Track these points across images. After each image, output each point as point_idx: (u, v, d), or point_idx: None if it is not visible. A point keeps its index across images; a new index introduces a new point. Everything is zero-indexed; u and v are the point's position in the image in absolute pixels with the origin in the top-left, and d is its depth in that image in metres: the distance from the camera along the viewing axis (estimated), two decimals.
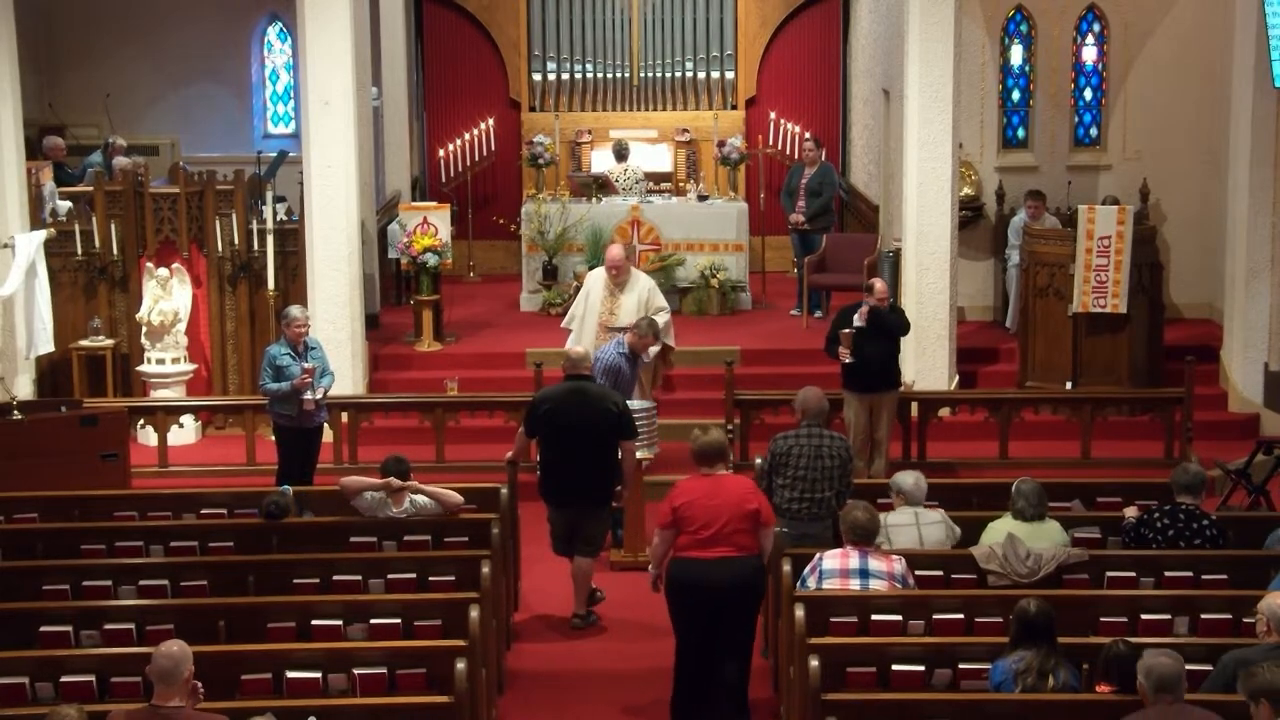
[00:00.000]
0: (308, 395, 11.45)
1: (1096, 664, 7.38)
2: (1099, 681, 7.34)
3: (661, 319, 12.69)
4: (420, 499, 10.00)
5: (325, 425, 12.11)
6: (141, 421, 13.36)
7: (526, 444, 10.72)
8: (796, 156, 17.07)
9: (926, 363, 13.74)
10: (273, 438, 12.03)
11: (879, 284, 12.26)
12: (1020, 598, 7.74)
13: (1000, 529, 9.05)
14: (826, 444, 9.74)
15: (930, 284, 13.87)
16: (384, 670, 7.86)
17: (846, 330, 11.97)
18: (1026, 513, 9.08)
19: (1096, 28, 15.91)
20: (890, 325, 12.12)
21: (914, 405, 13.06)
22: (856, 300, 12.32)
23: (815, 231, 16.08)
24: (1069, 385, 13.86)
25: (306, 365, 11.43)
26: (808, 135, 17.01)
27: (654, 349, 12.54)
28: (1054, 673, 7.40)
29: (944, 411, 13.45)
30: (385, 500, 9.96)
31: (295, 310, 11.73)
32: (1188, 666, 7.77)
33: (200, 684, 6.76)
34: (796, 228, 16.14)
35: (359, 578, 9.13)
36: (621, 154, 17.24)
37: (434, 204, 16.31)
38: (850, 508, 8.78)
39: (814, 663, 7.65)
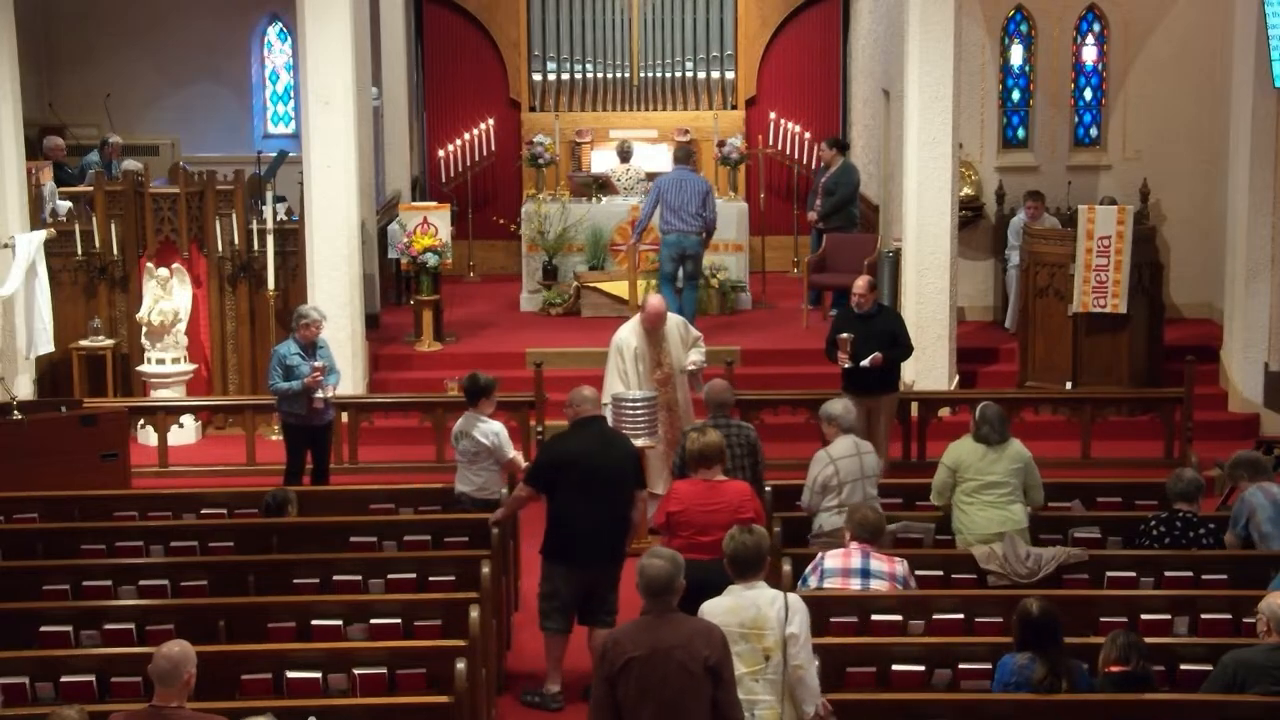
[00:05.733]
0: (318, 394, 11.51)
1: (1106, 650, 7.37)
2: (1111, 664, 7.34)
3: (703, 346, 12.06)
4: (487, 430, 10.10)
5: (332, 422, 12.12)
6: (141, 421, 13.36)
7: (525, 501, 9.62)
8: (795, 156, 17.11)
9: (926, 363, 13.73)
10: (277, 436, 12.05)
11: (860, 281, 12.27)
12: (1020, 598, 7.74)
13: (961, 449, 9.50)
14: (735, 432, 9.96)
15: (930, 284, 13.87)
16: (384, 670, 7.86)
17: (845, 335, 11.98)
18: (991, 438, 9.42)
19: (1096, 28, 15.91)
20: (893, 360, 12.18)
21: (914, 405, 13.06)
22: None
23: (830, 230, 16.13)
24: (1069, 385, 13.86)
25: (316, 364, 11.48)
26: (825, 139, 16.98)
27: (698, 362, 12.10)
28: (1067, 676, 7.37)
29: (944, 411, 13.44)
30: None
31: (311, 311, 11.77)
32: (1187, 666, 7.82)
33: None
34: (813, 225, 16.27)
35: (359, 578, 9.13)
36: (626, 155, 17.21)
37: (434, 204, 16.30)
38: (858, 506, 8.82)
39: (814, 662, 7.65)
